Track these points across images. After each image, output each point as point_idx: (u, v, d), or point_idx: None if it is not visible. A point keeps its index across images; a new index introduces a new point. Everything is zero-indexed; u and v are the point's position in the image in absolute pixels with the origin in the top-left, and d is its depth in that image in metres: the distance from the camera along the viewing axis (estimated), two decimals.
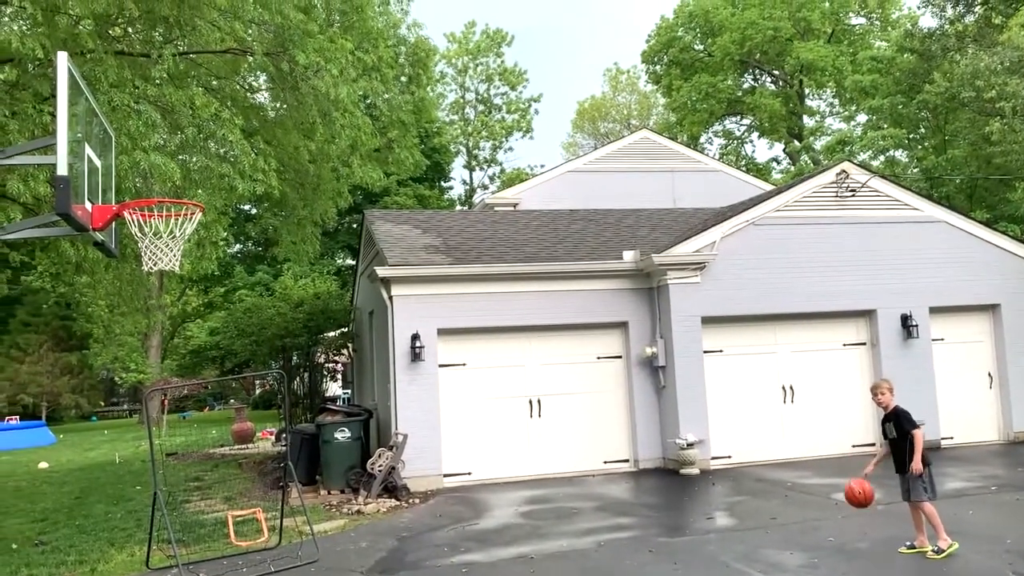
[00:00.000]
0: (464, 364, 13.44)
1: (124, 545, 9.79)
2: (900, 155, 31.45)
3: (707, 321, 13.67)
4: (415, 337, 12.86)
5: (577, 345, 13.96)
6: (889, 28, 38.80)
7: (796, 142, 40.38)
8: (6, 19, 11.07)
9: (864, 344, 14.54)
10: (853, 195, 14.40)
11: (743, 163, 42.37)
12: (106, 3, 10.03)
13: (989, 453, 13.74)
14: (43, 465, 20.22)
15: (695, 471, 12.92)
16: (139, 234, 6.77)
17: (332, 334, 21.38)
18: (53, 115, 7.02)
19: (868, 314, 14.44)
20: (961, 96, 23.40)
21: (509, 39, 48.75)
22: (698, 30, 42.06)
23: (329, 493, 12.74)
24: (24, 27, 10.81)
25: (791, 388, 14.17)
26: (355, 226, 35.47)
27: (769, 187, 19.90)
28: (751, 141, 45.87)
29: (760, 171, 39.94)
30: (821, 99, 42.71)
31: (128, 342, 33.96)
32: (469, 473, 13.14)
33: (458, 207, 43.92)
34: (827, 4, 39.37)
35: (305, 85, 12.60)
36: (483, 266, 13.53)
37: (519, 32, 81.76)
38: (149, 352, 37.83)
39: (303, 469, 13.29)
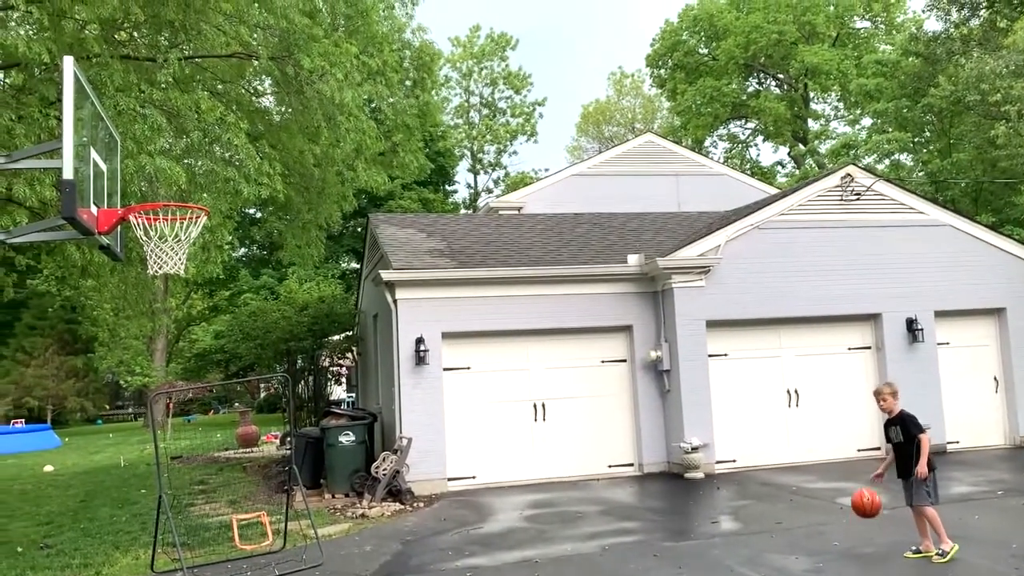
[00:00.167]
0: (468, 368, 13.44)
1: (129, 548, 9.80)
2: (905, 159, 31.40)
3: (712, 325, 13.65)
4: (419, 341, 12.87)
5: (582, 349, 13.95)
6: (894, 32, 38.77)
7: (801, 146, 40.33)
8: (12, 24, 11.10)
9: (869, 348, 14.50)
10: (858, 199, 14.38)
11: (748, 167, 42.31)
12: (112, 7, 10.05)
13: (995, 457, 13.69)
14: (48, 468, 20.27)
15: (700, 475, 12.90)
16: (144, 238, 6.79)
17: (336, 338, 21.41)
18: (59, 119, 7.05)
19: (873, 318, 14.41)
20: (966, 99, 23.38)
21: (514, 43, 48.80)
22: (702, 34, 42.07)
23: (333, 497, 12.75)
24: (30, 32, 10.84)
25: (796, 392, 14.14)
26: (360, 230, 35.51)
27: (774, 191, 19.87)
28: (756, 145, 45.86)
29: (765, 175, 39.90)
30: (826, 103, 42.70)
31: (133, 345, 34.06)
32: (473, 477, 13.13)
33: (462, 211, 43.93)
34: (832, 8, 39.34)
35: (310, 89, 12.61)
36: (487, 270, 13.53)
37: (523, 36, 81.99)
38: (154, 355, 37.92)
39: (307, 473, 13.30)
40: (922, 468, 7.43)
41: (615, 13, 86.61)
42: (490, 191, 48.73)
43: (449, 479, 12.90)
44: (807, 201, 14.31)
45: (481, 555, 8.61)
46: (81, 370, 42.49)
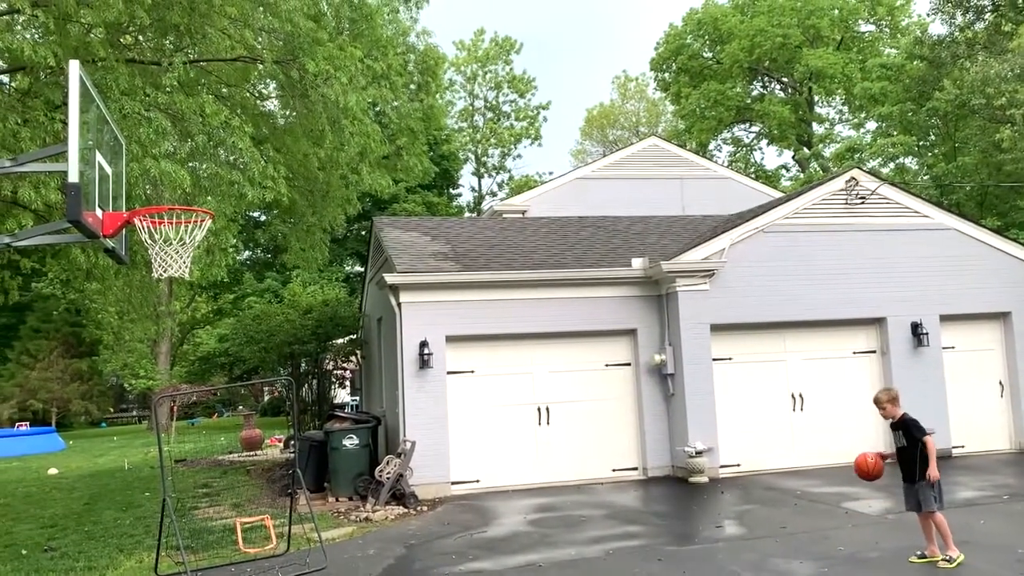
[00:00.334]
0: (472, 371, 13.44)
1: (133, 551, 9.80)
2: (910, 162, 31.37)
3: (716, 328, 13.63)
4: (423, 344, 12.87)
5: (586, 352, 13.93)
6: (899, 35, 38.70)
7: (805, 149, 40.28)
8: (18, 27, 11.15)
9: (874, 352, 14.46)
10: (863, 202, 14.35)
11: (752, 170, 42.25)
12: (117, 11, 10.08)
13: (1000, 462, 13.64)
14: (53, 471, 20.29)
15: (704, 479, 12.87)
16: (149, 241, 6.79)
17: (340, 341, 21.40)
18: (64, 123, 7.07)
19: (878, 322, 14.38)
20: (971, 103, 23.35)
21: (518, 47, 48.91)
22: (707, 37, 42.06)
23: (337, 500, 12.74)
24: (36, 35, 10.88)
25: (801, 396, 14.11)
26: (364, 233, 35.57)
27: (778, 194, 19.84)
28: (760, 148, 45.83)
29: (769, 178, 39.84)
30: (830, 106, 42.65)
31: (138, 348, 34.19)
32: (477, 480, 13.12)
33: (467, 214, 43.97)
34: (836, 12, 39.31)
35: (315, 93, 12.64)
36: (491, 273, 13.53)
37: (528, 40, 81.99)
38: (158, 358, 38.03)
39: (311, 476, 13.29)
40: (932, 471, 7.40)
41: (619, 17, 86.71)
42: (494, 195, 48.79)
43: (453, 483, 12.89)
44: (812, 205, 14.29)
45: (485, 559, 8.60)
46: (85, 373, 42.56)
